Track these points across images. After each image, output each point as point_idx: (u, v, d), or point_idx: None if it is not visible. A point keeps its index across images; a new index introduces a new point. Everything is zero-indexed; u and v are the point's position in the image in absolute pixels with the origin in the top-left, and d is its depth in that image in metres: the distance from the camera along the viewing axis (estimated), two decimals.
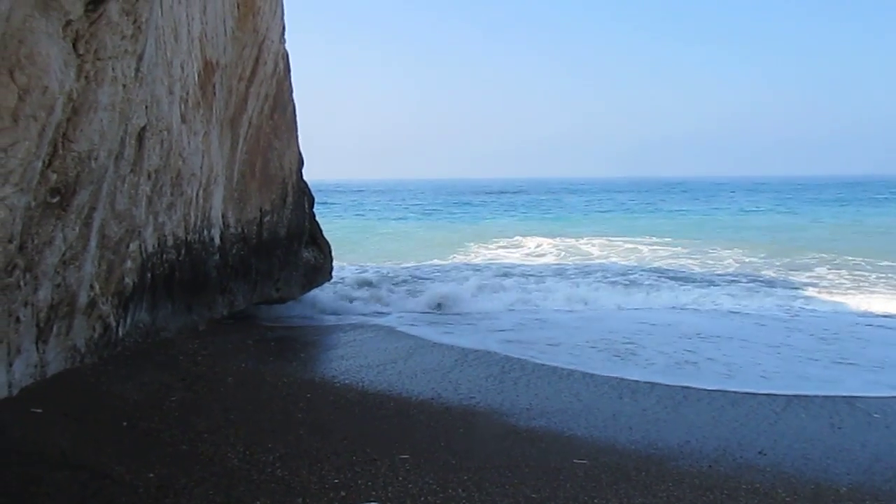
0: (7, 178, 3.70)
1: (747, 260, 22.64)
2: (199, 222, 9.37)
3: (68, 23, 4.59)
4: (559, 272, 19.60)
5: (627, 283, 17.51)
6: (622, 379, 8.68)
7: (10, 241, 3.95)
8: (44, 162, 4.54)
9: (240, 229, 10.92)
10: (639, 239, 29.53)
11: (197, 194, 9.18)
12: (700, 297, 15.43)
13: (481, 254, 25.11)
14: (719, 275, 19.19)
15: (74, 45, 4.80)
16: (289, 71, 12.24)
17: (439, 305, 13.78)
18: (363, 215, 49.04)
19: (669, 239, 29.60)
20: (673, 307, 14.59)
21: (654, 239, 29.59)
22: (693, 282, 17.70)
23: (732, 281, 17.92)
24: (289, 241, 12.57)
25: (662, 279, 18.17)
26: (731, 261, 22.47)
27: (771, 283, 17.66)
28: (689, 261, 22.47)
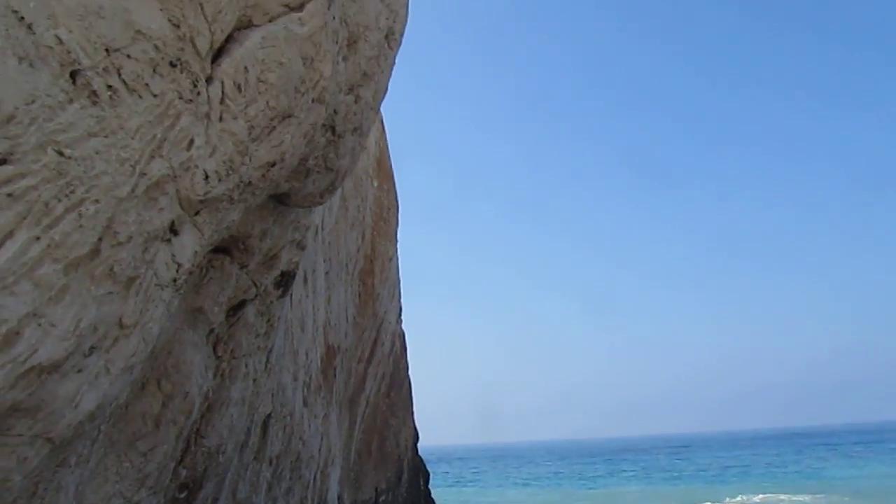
0: (143, 482, 3.88)
1: None
2: None
3: (211, 330, 5.10)
4: None
5: None
6: None
7: None
8: (176, 460, 4.77)
9: None
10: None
11: (315, 476, 9.20)
12: None
13: None
14: None
15: (214, 348, 5.28)
16: (405, 349, 12.81)
17: None
18: (472, 485, 46.92)
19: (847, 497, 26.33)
20: None
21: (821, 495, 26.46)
22: None
23: None
24: None
25: None
26: None
27: None
28: None
